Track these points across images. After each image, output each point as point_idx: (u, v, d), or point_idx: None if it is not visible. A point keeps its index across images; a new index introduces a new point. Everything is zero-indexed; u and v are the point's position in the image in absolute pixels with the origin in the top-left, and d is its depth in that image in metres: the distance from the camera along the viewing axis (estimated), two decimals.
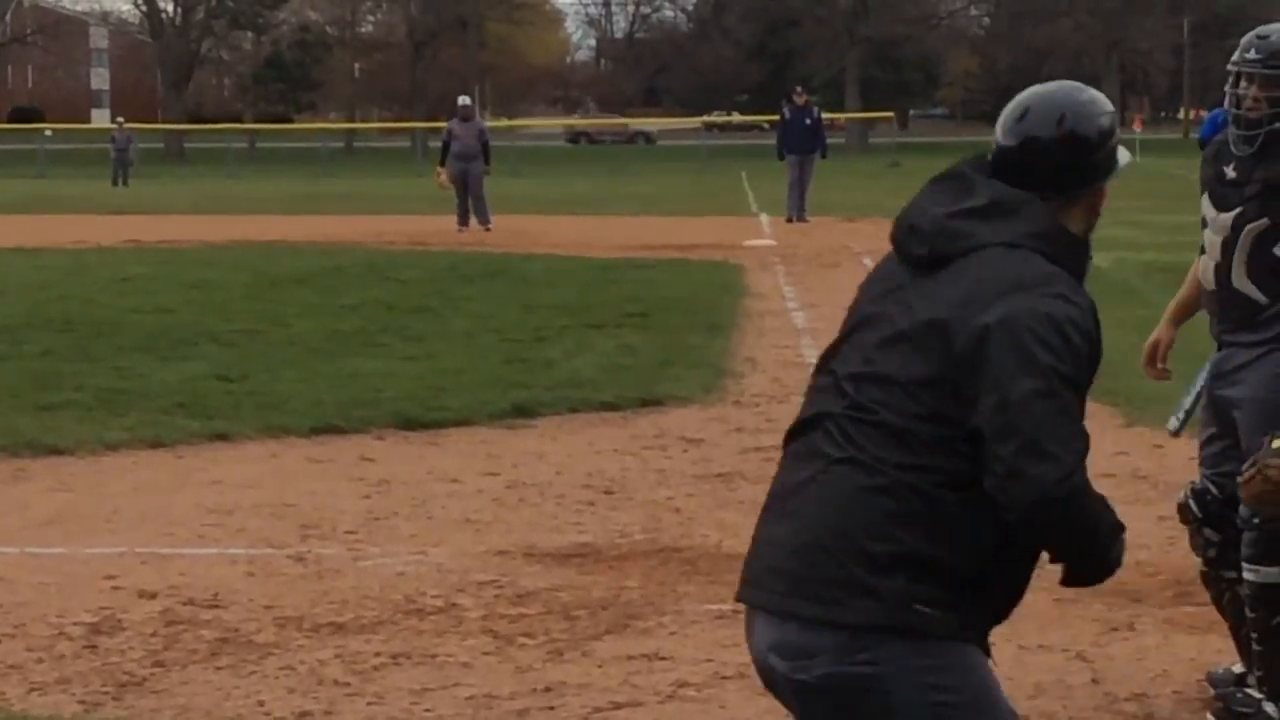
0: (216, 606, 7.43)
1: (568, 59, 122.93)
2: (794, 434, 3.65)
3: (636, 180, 49.15)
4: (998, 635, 7.05)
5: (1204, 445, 6.12)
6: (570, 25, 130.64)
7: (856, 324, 3.60)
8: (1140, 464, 10.18)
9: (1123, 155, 3.63)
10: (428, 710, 6.20)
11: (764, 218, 32.08)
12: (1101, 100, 3.63)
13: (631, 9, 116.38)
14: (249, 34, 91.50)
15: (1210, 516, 5.99)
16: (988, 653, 3.52)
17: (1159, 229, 28.03)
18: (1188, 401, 6.19)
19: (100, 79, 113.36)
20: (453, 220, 29.58)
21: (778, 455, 3.75)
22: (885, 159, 59.41)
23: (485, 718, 6.14)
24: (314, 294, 18.84)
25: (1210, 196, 6.00)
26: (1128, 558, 8.61)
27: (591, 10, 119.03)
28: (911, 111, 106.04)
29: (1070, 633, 6.97)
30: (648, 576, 7.84)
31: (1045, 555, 3.57)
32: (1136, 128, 70.91)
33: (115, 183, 48.83)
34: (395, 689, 6.40)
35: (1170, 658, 6.71)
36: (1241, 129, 5.85)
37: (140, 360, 13.93)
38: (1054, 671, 6.53)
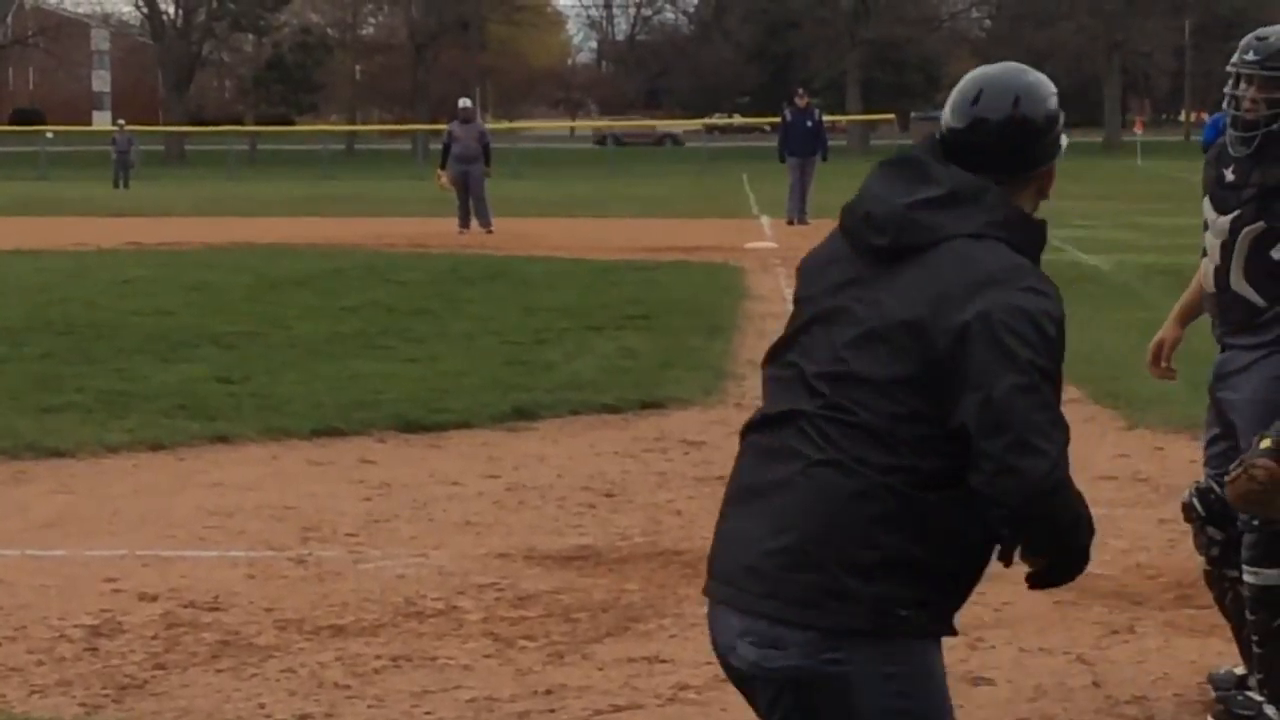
0: (217, 609, 7.43)
1: (569, 61, 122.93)
2: (757, 427, 3.61)
3: (638, 182, 49.16)
4: (999, 638, 7.06)
5: (1207, 446, 6.14)
6: (571, 27, 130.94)
7: (815, 317, 3.54)
8: (1141, 466, 10.18)
9: (1063, 137, 3.65)
10: (428, 713, 6.20)
11: (765, 220, 32.09)
12: (1048, 82, 3.65)
13: (633, 11, 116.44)
14: (250, 36, 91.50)
15: (1214, 515, 5.99)
16: (955, 632, 3.53)
17: (1160, 231, 28.02)
18: None
19: (101, 81, 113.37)
20: (453, 222, 29.59)
21: None
22: None
23: None
24: (315, 296, 18.85)
25: (1210, 199, 6.01)
26: (1128, 560, 8.63)
27: (593, 12, 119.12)
28: (913, 114, 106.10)
29: (1071, 635, 6.97)
30: (648, 579, 7.84)
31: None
32: (1138, 130, 70.97)
33: (116, 185, 48.84)
34: (396, 691, 6.40)
35: (1171, 660, 6.71)
36: (1239, 130, 5.86)
37: (141, 362, 13.93)
38: (1054, 674, 6.53)
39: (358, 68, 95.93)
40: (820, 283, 3.59)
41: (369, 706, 6.26)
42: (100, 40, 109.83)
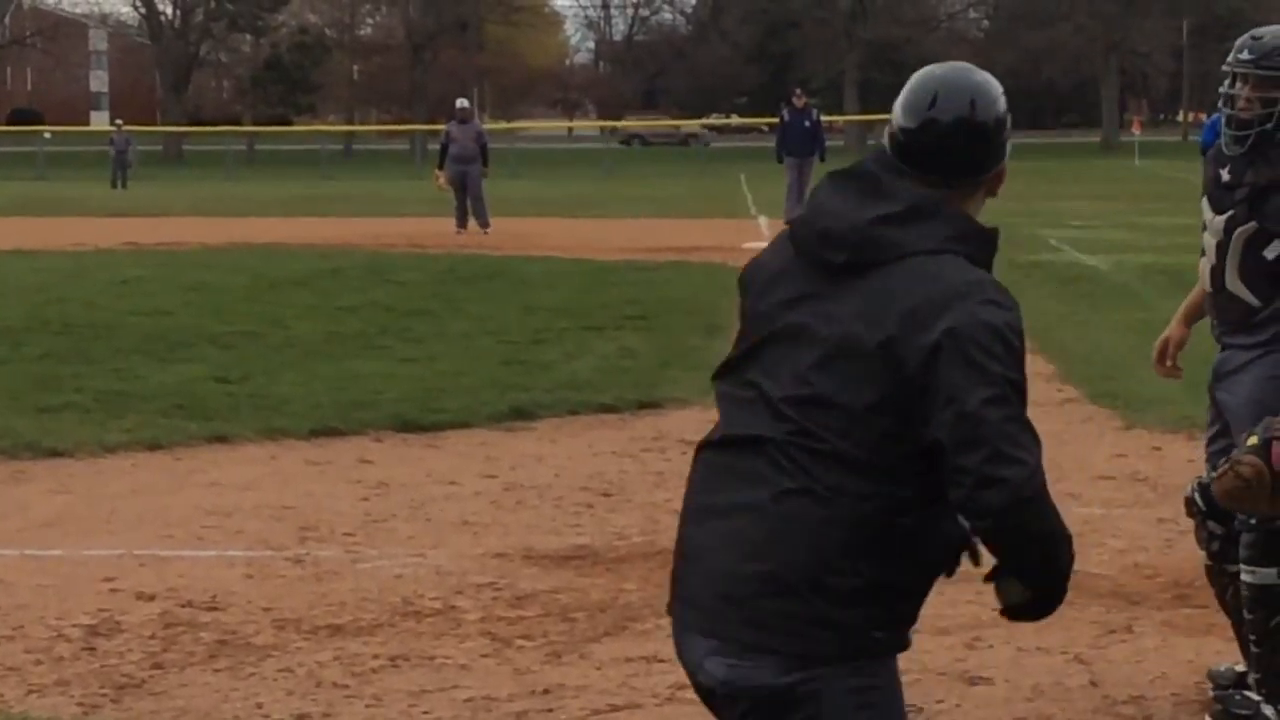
0: (215, 608, 7.43)
1: (566, 61, 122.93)
2: (718, 446, 3.57)
3: (635, 182, 49.16)
4: (996, 638, 7.05)
5: (1209, 443, 6.16)
6: (569, 28, 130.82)
7: (773, 334, 3.51)
8: (1139, 466, 10.18)
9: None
10: (426, 712, 6.20)
11: (763, 220, 32.07)
12: (995, 81, 3.60)
13: (630, 11, 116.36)
14: (248, 36, 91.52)
15: (1214, 510, 5.99)
16: (909, 645, 3.54)
17: (1158, 231, 28.02)
18: None
19: (99, 81, 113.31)
20: (451, 222, 29.58)
21: None
22: None
23: None
24: (313, 296, 18.84)
25: (1208, 199, 6.04)
26: (1126, 560, 8.62)
27: (590, 13, 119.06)
28: None
29: (1068, 635, 6.97)
30: (646, 579, 7.84)
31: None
32: (1136, 130, 70.97)
33: (114, 185, 48.85)
34: (393, 691, 6.40)
35: (1169, 660, 6.71)
36: (1234, 129, 5.88)
37: (139, 362, 13.93)
38: (1052, 674, 6.53)
39: (355, 68, 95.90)
40: (771, 296, 3.55)
41: (367, 706, 6.26)
42: (98, 40, 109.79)
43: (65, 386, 12.67)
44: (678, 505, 3.80)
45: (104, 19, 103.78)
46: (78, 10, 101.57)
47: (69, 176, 55.58)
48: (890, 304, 3.37)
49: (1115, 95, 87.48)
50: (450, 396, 12.29)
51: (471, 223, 29.37)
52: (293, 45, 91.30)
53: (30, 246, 26.09)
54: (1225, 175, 5.93)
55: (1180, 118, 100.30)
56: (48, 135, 67.77)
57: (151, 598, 7.57)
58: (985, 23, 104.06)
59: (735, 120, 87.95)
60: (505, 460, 10.50)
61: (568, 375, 13.32)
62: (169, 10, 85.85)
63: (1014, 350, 3.36)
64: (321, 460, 10.53)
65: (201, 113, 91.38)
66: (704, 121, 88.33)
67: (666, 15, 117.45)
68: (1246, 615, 5.89)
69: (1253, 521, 5.75)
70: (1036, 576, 3.46)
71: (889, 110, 3.61)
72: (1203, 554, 6.18)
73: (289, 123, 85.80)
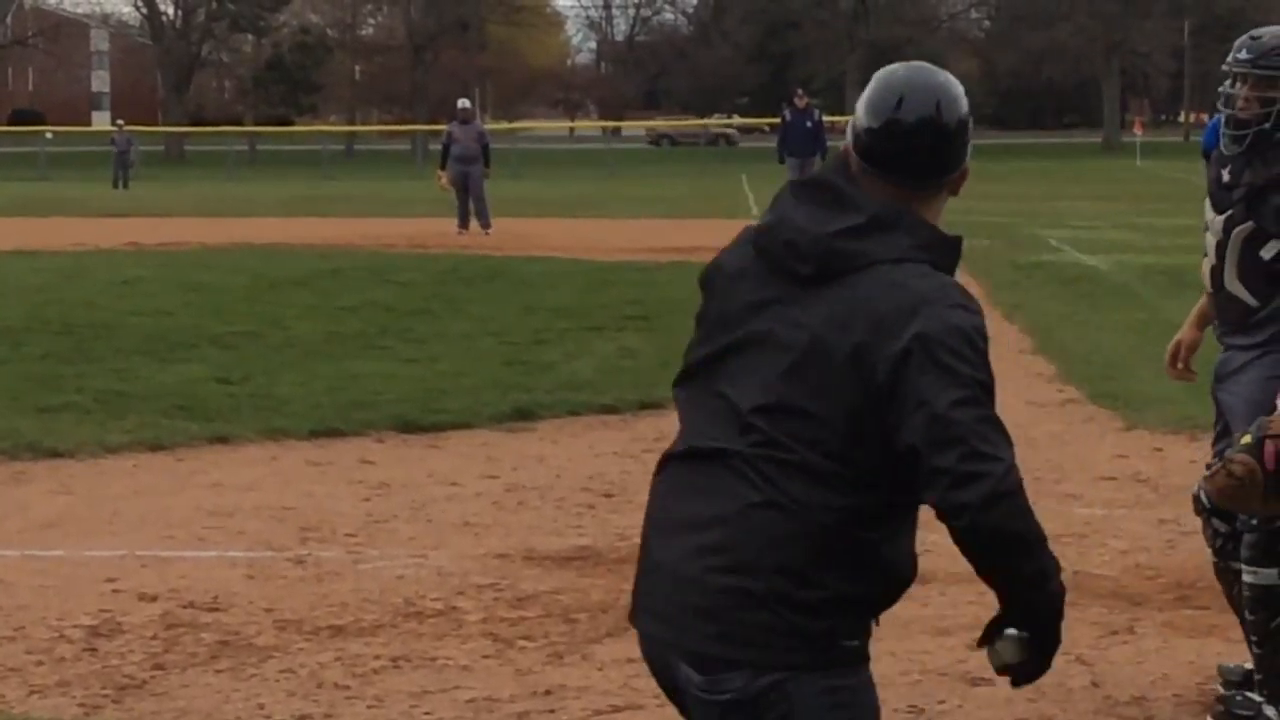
0: (216, 609, 7.43)
1: (568, 62, 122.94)
2: (683, 458, 3.57)
3: (637, 183, 49.16)
4: None
5: (1214, 444, 6.16)
6: (570, 28, 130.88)
7: (738, 342, 3.50)
8: (1140, 467, 10.17)
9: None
10: (427, 713, 6.20)
11: None
12: (957, 82, 3.58)
13: (632, 12, 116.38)
14: (249, 36, 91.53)
15: (1219, 508, 6.00)
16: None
17: (1159, 232, 28.02)
18: None
19: (101, 81, 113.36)
20: (453, 223, 29.59)
21: None
22: None
23: None
24: (314, 296, 18.85)
25: (1210, 199, 6.05)
26: (1127, 561, 8.61)
27: (592, 13, 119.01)
28: None
29: (1070, 636, 6.91)
30: None
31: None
32: (1137, 131, 70.95)
33: (116, 185, 48.86)
34: (395, 692, 6.40)
35: (1170, 661, 6.71)
36: (1232, 129, 5.89)
37: (140, 363, 13.94)
38: (1053, 674, 6.48)
39: (357, 68, 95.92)
40: (734, 299, 3.54)
41: (368, 707, 6.26)
42: (100, 41, 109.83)
43: (66, 387, 12.67)
44: None
45: (105, 19, 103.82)
46: (79, 10, 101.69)
47: (70, 177, 55.60)
48: (858, 311, 3.37)
49: (1116, 96, 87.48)
50: (451, 397, 12.29)
51: (473, 223, 29.38)
52: (294, 45, 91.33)
53: (31, 246, 26.10)
54: (1226, 175, 5.94)
55: (1182, 118, 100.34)
56: (49, 135, 67.77)
57: (153, 598, 7.57)
58: (986, 23, 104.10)
59: (737, 121, 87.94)
60: (507, 461, 10.50)
61: (569, 376, 13.32)
62: (170, 10, 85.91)
63: (981, 353, 3.37)
64: (323, 461, 10.54)
65: (203, 113, 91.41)
66: (705, 122, 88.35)
67: (668, 15, 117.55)
68: (1248, 616, 5.90)
69: (1254, 522, 5.75)
70: (1020, 586, 3.42)
71: None
72: (1209, 552, 6.19)
73: (290, 123, 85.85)
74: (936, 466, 3.29)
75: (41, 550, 8.44)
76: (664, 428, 11.45)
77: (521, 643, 6.96)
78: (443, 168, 30.18)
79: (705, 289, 3.62)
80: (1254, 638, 5.91)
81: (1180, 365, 6.43)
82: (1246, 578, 5.85)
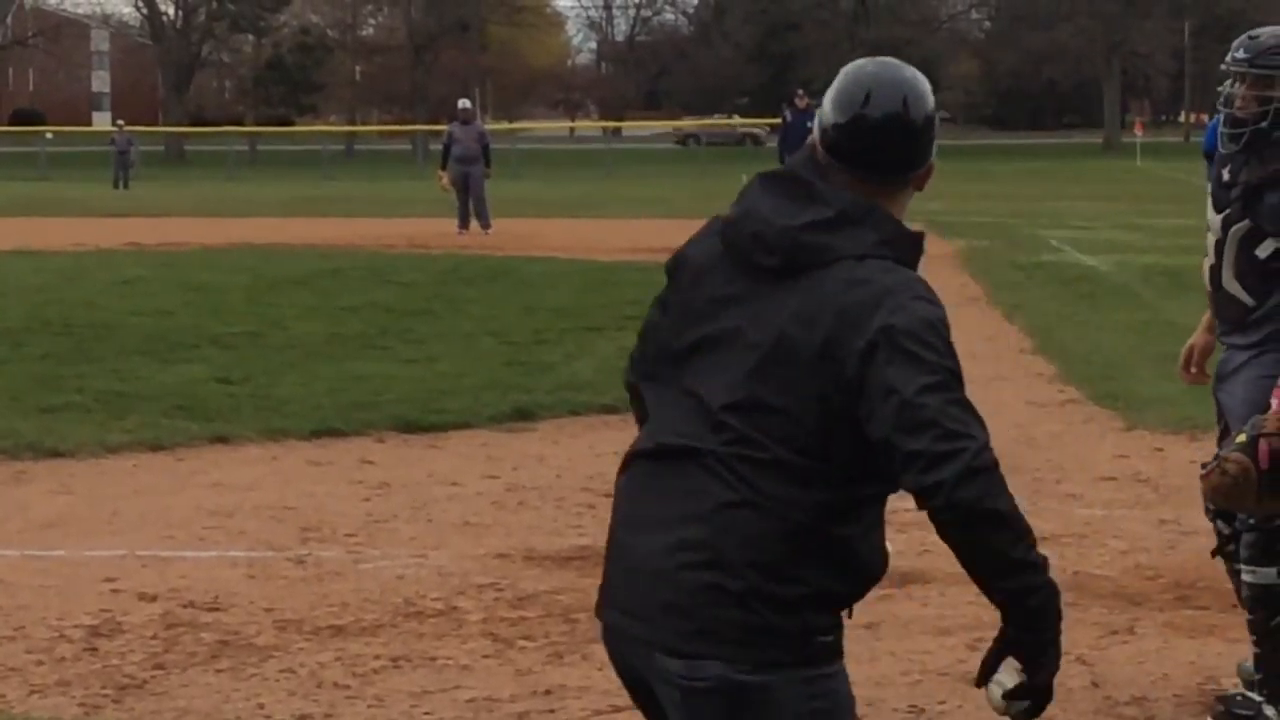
0: (217, 609, 7.43)
1: (568, 62, 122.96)
2: (651, 455, 3.57)
3: (637, 183, 49.16)
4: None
5: (1218, 442, 6.16)
6: (571, 28, 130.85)
7: (705, 339, 3.49)
8: (1141, 467, 10.17)
9: None
10: (428, 713, 6.20)
11: None
12: (924, 78, 3.58)
13: (632, 12, 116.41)
14: (250, 37, 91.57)
15: (1222, 509, 6.01)
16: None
17: (1159, 232, 28.02)
18: None
19: (101, 81, 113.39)
20: (453, 223, 29.60)
21: None
22: None
23: None
24: (314, 296, 18.85)
25: (1211, 198, 6.06)
26: (1127, 561, 8.60)
27: (592, 13, 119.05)
28: None
29: (1070, 636, 6.91)
30: None
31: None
32: (1137, 131, 70.97)
33: (116, 185, 48.88)
34: (395, 692, 6.40)
35: (1170, 661, 6.71)
36: (1230, 128, 5.90)
37: (140, 363, 13.94)
38: None
39: (357, 68, 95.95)
40: (699, 292, 3.53)
41: (369, 707, 6.26)
42: (100, 41, 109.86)
43: (66, 387, 12.67)
44: None
45: (106, 19, 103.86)
46: (80, 10, 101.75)
47: (71, 177, 55.61)
48: (824, 306, 3.38)
49: (1117, 96, 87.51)
50: (451, 397, 12.29)
51: (473, 223, 29.39)
52: (294, 46, 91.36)
53: (32, 247, 26.10)
54: (1225, 174, 5.96)
55: (1182, 119, 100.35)
56: (50, 135, 67.83)
57: (153, 598, 7.57)
58: (987, 23, 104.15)
59: (737, 121, 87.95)
60: (507, 461, 10.50)
61: (569, 376, 13.32)
62: (171, 10, 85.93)
63: (947, 342, 3.38)
64: (323, 461, 10.54)
65: (203, 113, 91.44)
66: (706, 122, 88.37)
67: (668, 16, 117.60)
68: (1248, 615, 5.91)
69: (1251, 521, 5.75)
70: (1008, 577, 3.43)
71: None
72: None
73: (291, 123, 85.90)
74: (910, 451, 3.28)
75: (42, 550, 8.44)
76: None
77: (521, 643, 6.96)
78: (443, 168, 30.20)
79: (670, 277, 3.61)
80: (1253, 637, 5.92)
81: (1194, 370, 6.43)
82: (1246, 577, 5.86)
